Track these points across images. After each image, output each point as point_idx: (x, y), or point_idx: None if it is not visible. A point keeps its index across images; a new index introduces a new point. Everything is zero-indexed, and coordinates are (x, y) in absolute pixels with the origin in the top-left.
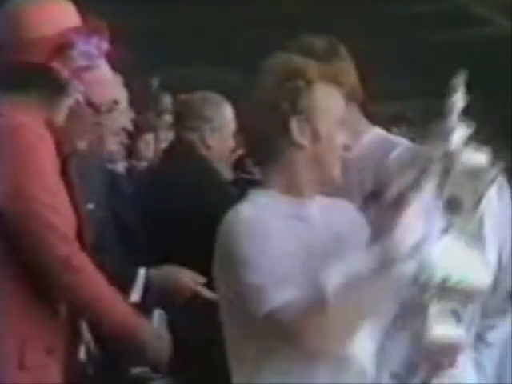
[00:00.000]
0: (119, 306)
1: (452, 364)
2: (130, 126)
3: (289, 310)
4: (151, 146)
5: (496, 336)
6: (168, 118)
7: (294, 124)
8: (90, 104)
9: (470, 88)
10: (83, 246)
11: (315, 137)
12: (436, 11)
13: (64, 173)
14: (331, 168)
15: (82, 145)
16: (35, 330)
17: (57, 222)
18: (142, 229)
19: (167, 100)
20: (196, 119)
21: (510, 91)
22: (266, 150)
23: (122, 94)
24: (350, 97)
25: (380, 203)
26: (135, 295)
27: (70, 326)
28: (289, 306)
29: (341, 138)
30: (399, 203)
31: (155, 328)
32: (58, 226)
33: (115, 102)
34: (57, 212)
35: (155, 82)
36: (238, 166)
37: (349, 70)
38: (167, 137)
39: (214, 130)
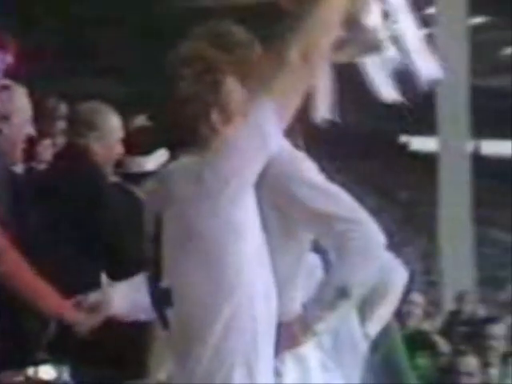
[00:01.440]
0: (46, 291)
1: (292, 346)
2: (31, 128)
3: None
4: (49, 150)
5: (323, 327)
6: (63, 124)
7: (214, 114)
8: None
9: None
10: None
11: (228, 122)
12: None
13: None
14: None
15: None
16: None
17: None
18: (42, 228)
19: (63, 109)
20: (85, 126)
21: None
22: (187, 137)
23: (26, 107)
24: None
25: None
26: None
27: None
28: None
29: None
30: None
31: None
32: None
33: (5, 87)
34: None
35: (53, 100)
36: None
37: (251, 62)
38: (63, 142)
39: (100, 137)
